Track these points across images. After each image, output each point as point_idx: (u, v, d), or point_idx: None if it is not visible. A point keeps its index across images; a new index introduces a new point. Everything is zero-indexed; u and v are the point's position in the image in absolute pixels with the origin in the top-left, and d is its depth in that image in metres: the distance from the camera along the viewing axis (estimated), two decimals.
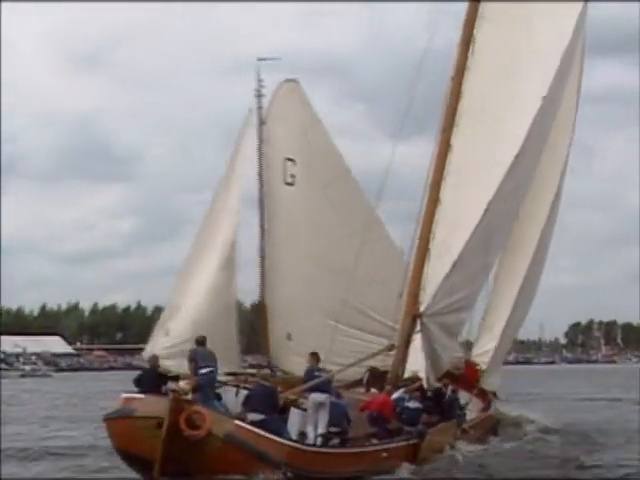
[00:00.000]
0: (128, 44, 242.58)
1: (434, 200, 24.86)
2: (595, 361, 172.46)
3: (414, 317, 23.26)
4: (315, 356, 20.94)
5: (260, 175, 31.28)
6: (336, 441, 19.66)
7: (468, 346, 29.79)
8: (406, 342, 23.47)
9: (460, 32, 25.30)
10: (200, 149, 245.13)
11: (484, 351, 28.21)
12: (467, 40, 25.10)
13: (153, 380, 19.17)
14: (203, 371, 19.46)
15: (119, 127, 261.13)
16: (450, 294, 23.31)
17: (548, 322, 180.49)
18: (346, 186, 31.29)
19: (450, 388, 25.32)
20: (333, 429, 19.67)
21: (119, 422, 17.80)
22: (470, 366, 28.24)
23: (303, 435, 19.42)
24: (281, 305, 30.49)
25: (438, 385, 24.37)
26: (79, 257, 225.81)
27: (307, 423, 19.58)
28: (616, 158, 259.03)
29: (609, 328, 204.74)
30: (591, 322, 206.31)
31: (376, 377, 24.85)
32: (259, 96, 31.84)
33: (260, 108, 31.67)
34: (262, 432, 17.68)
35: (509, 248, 27.74)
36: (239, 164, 30.63)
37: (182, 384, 19.51)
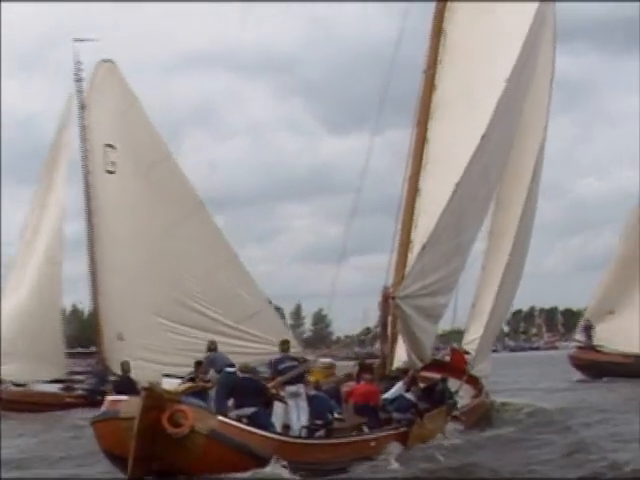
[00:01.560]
0: (65, 41, 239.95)
1: (413, 191, 25.27)
2: (537, 348, 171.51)
3: (386, 299, 23.41)
4: (283, 344, 21.22)
5: (84, 165, 30.14)
6: (322, 433, 19.89)
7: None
8: (383, 325, 23.64)
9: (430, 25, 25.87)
10: None
11: (475, 338, 28.40)
12: (437, 33, 25.58)
13: (130, 384, 19.51)
14: (229, 370, 19.66)
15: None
16: (423, 276, 23.47)
17: None
18: (167, 170, 30.41)
19: (440, 377, 25.67)
20: (317, 421, 19.92)
21: (104, 424, 18.06)
22: (457, 353, 28.50)
23: (287, 428, 19.62)
24: (111, 303, 29.65)
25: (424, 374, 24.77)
26: None
27: (289, 415, 19.77)
28: (559, 145, 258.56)
29: (550, 315, 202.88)
30: (532, 309, 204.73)
31: (366, 369, 25.06)
32: (78, 80, 30.59)
33: (80, 92, 30.43)
34: (246, 427, 17.92)
35: (495, 233, 28.08)
36: (62, 153, 29.54)
37: (176, 386, 19.81)
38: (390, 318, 23.71)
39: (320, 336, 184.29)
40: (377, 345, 25.98)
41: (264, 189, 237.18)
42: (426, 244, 23.32)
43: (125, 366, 21.21)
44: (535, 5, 24.46)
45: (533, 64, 25.14)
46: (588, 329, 50.64)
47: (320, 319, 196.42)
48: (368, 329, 24.44)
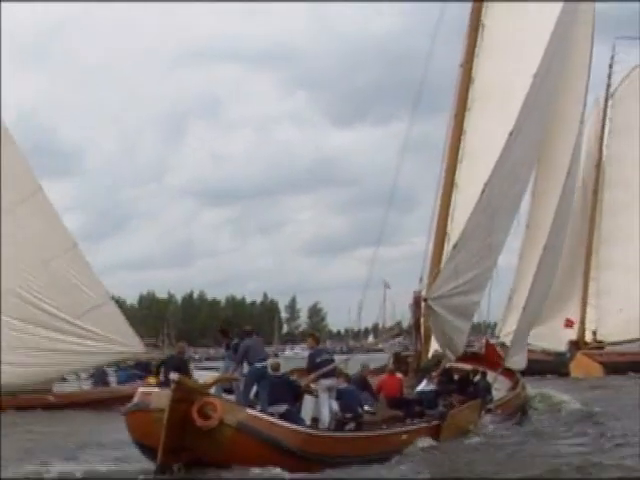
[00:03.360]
0: (68, 35, 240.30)
1: (450, 184, 25.34)
2: None
3: (417, 301, 23.54)
4: (314, 337, 21.58)
5: None
6: (352, 426, 19.93)
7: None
8: (416, 326, 23.79)
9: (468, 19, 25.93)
10: (144, 142, 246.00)
11: (512, 331, 28.37)
12: (475, 27, 25.60)
13: (178, 366, 19.74)
14: (259, 365, 19.71)
15: (61, 121, 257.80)
16: (456, 276, 23.57)
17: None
18: (4, 150, 29.27)
19: (480, 371, 25.72)
20: (347, 415, 19.99)
21: (135, 415, 18.29)
22: (490, 346, 28.48)
23: (316, 421, 19.80)
24: None
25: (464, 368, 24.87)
26: None
27: (320, 408, 19.90)
28: None
29: None
30: None
31: (400, 362, 25.21)
32: None
33: None
34: (275, 420, 18.08)
35: (532, 227, 28.03)
36: None
37: (207, 378, 20.06)
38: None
39: (315, 330, 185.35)
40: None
41: (268, 182, 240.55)
42: (457, 244, 23.44)
43: (180, 348, 21.51)
44: (560, 4, 24.45)
45: (562, 58, 25.07)
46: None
47: (315, 312, 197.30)
48: (400, 330, 24.53)
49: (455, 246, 23.43)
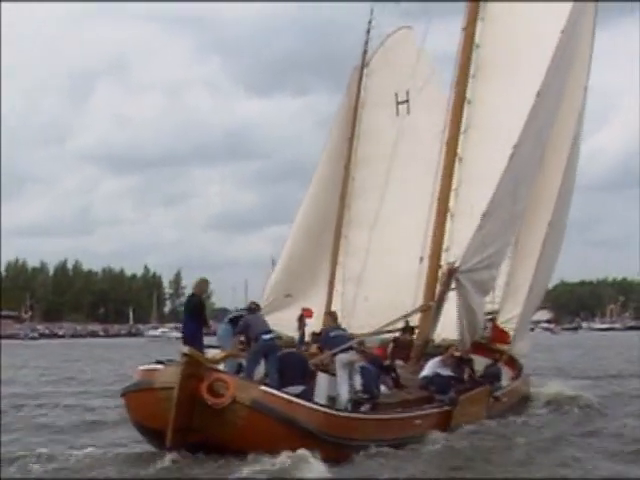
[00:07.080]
0: None
1: (452, 156, 24.04)
2: None
3: (449, 273, 21.89)
4: (332, 315, 20.27)
5: None
6: (367, 407, 18.61)
7: None
8: (440, 301, 22.22)
9: None
10: (46, 100, 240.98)
11: (511, 317, 27.01)
12: None
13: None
14: (266, 337, 18.09)
15: None
16: (483, 248, 22.17)
17: None
18: None
19: (491, 360, 24.76)
20: (364, 395, 18.66)
21: (138, 395, 16.73)
22: (498, 330, 27.05)
23: (332, 400, 18.19)
24: None
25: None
26: None
27: (339, 385, 18.34)
28: None
29: None
30: None
31: (400, 348, 23.78)
32: None
33: None
34: (291, 397, 16.52)
35: (529, 209, 26.61)
36: None
37: (214, 353, 18.30)
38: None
39: None
40: None
41: (176, 150, 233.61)
42: (486, 213, 21.80)
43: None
44: None
45: (586, 17, 23.96)
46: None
47: None
48: (428, 306, 22.88)
49: (484, 215, 21.80)
